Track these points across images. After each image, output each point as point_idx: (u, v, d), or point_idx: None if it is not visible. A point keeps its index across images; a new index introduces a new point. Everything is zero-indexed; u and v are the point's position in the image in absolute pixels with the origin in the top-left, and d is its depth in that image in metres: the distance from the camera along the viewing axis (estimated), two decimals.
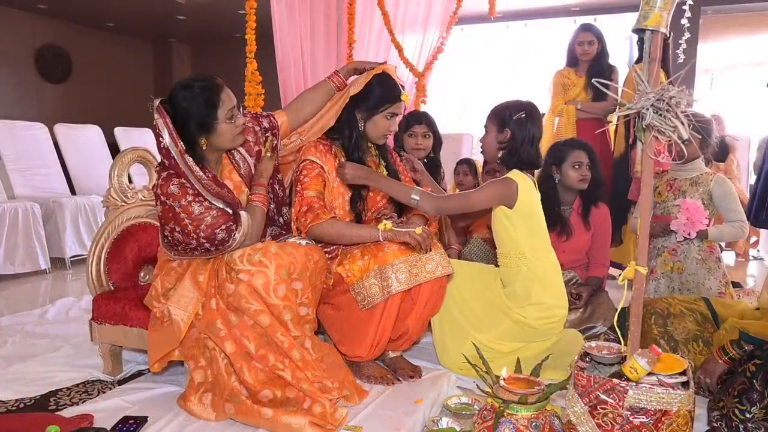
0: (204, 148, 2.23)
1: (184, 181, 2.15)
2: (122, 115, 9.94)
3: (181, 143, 2.14)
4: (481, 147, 2.65)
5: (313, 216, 2.38)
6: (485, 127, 2.63)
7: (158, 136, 2.14)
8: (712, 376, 2.19)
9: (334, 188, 2.52)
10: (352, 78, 2.66)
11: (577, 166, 3.09)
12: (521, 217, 2.51)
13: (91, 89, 10.73)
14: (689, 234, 3.03)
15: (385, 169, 2.69)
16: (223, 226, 2.17)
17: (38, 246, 5.03)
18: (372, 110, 2.54)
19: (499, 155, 2.57)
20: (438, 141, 3.47)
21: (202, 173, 2.17)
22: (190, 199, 2.15)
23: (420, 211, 2.61)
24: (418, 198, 2.44)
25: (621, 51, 7.20)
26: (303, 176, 2.47)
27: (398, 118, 2.63)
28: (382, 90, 2.53)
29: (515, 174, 2.51)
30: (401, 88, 2.56)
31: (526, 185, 2.50)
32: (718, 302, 2.57)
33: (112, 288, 2.67)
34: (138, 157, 2.76)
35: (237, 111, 2.25)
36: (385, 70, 2.55)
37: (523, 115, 2.50)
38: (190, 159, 2.15)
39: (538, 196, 2.59)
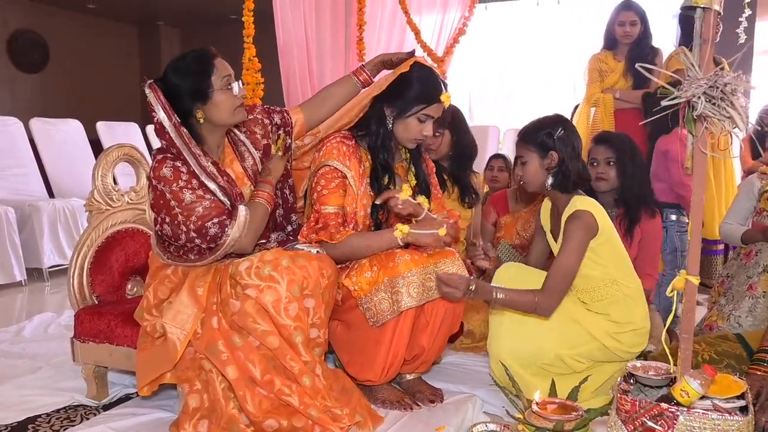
0: (201, 121, 2.27)
1: (179, 164, 2.21)
2: (105, 107, 10.02)
3: (176, 116, 2.22)
4: (521, 179, 2.53)
5: (328, 235, 2.37)
6: (519, 157, 2.51)
7: (152, 112, 2.21)
8: None
9: (357, 197, 2.47)
10: (381, 74, 2.58)
11: (593, 164, 3.00)
12: (606, 241, 2.46)
13: (71, 79, 10.74)
14: None
15: (414, 178, 2.63)
16: (216, 220, 2.19)
17: (13, 255, 5.03)
18: (404, 109, 2.43)
19: (549, 183, 2.49)
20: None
21: (199, 150, 2.25)
22: (182, 184, 2.19)
23: (437, 209, 2.62)
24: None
25: (668, 31, 7.15)
26: (321, 187, 2.44)
27: (433, 122, 2.49)
28: (419, 87, 2.42)
29: (581, 201, 2.45)
30: (444, 87, 2.46)
31: (596, 206, 2.46)
32: (755, 339, 2.49)
33: (96, 302, 2.68)
34: (124, 155, 2.78)
35: (235, 81, 2.30)
36: (416, 61, 2.48)
37: (563, 131, 2.45)
38: (186, 131, 2.23)
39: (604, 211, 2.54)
